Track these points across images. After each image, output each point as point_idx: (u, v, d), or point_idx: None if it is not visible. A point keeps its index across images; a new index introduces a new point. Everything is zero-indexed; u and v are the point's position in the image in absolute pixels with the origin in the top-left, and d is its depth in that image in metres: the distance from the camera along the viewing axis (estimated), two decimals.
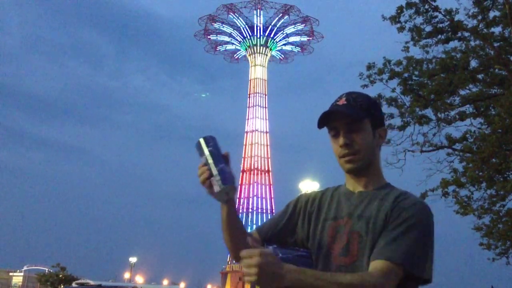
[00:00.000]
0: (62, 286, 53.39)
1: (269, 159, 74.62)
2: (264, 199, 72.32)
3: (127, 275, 59.92)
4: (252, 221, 70.45)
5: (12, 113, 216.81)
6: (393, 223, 1.47)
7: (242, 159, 74.28)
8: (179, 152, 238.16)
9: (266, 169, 73.76)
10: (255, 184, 72.23)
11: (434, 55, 13.70)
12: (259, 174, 72.68)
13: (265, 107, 77.59)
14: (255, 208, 71.43)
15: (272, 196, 72.65)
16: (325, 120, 1.58)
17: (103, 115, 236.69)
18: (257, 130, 74.79)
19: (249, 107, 77.31)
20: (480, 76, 13.84)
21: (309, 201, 1.71)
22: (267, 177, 73.70)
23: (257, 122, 75.50)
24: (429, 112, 13.76)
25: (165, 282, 68.29)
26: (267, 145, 75.16)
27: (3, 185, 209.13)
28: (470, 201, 13.71)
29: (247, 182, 72.79)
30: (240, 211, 71.82)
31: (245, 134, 76.15)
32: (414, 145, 13.76)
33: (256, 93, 76.92)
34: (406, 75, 13.78)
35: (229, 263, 71.02)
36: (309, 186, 22.83)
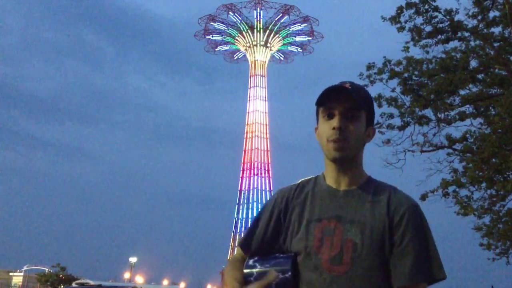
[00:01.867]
0: (62, 286, 53.41)
1: (269, 152, 74.60)
2: (263, 191, 72.75)
3: (127, 275, 59.90)
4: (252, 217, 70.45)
5: (12, 113, 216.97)
6: (402, 236, 1.42)
7: (243, 151, 74.65)
8: (178, 152, 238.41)
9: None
10: (255, 176, 72.60)
11: (434, 55, 13.71)
12: (259, 163, 73.08)
13: (265, 106, 77.63)
14: (255, 208, 71.50)
15: (272, 188, 72.93)
16: (327, 97, 1.50)
17: (103, 115, 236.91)
18: (257, 123, 74.78)
19: (249, 106, 77.34)
20: (480, 76, 13.84)
21: (287, 199, 1.60)
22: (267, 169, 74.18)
23: (257, 119, 75.50)
24: (429, 112, 13.77)
25: (165, 282, 68.29)
26: (266, 139, 75.21)
27: (3, 185, 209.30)
28: (470, 201, 13.72)
29: (247, 175, 73.17)
30: (240, 211, 72.03)
31: (245, 132, 76.20)
32: (414, 145, 13.78)
33: (256, 90, 76.94)
34: (406, 75, 13.78)
35: None
36: None
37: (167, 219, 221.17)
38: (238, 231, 71.09)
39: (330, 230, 1.46)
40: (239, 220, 71.92)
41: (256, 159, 73.11)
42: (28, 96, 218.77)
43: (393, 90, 13.94)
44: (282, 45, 78.57)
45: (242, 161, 74.41)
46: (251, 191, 72.24)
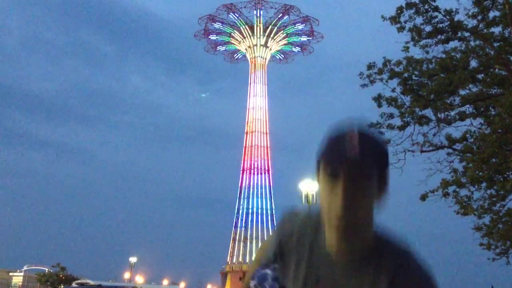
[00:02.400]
0: (62, 286, 53.43)
1: (268, 149, 74.66)
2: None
3: (127, 275, 59.88)
4: (252, 221, 70.67)
5: (12, 113, 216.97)
6: None
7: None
8: (178, 152, 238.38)
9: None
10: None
11: (434, 55, 13.71)
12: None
13: (265, 107, 77.64)
14: (254, 208, 71.57)
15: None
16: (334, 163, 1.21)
17: (103, 115, 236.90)
18: (258, 127, 74.83)
19: (248, 107, 77.34)
20: (480, 76, 13.83)
21: (286, 240, 1.43)
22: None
23: (257, 122, 75.54)
24: (429, 112, 13.76)
25: (165, 282, 68.33)
26: (267, 147, 75.19)
27: (3, 185, 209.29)
28: (470, 201, 13.72)
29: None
30: (240, 211, 72.06)
31: (245, 134, 76.18)
32: (414, 145, 13.77)
33: (256, 90, 76.97)
34: (406, 75, 13.78)
35: (229, 263, 71.08)
36: (309, 186, 22.84)
37: (167, 219, 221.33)
38: (239, 226, 71.55)
39: None
40: (240, 216, 72.26)
41: (256, 154, 73.48)
42: (28, 96, 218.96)
43: (393, 90, 13.94)
44: (282, 45, 78.58)
45: (243, 157, 74.88)
46: (251, 187, 72.46)
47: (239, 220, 72.23)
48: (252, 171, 73.10)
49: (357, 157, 1.17)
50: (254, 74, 77.31)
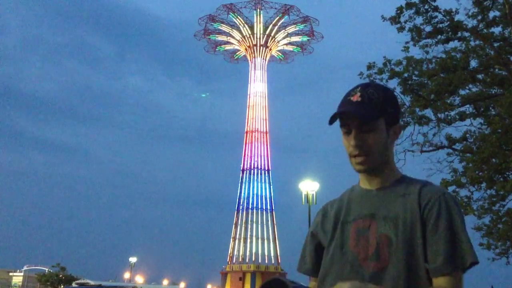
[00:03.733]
0: (62, 286, 53.42)
1: (268, 149, 74.71)
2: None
3: (127, 275, 59.92)
4: (252, 220, 70.73)
5: (12, 113, 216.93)
6: (434, 224, 1.41)
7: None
8: (178, 153, 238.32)
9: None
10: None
11: (434, 55, 13.71)
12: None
13: (266, 108, 77.62)
14: (255, 205, 71.63)
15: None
16: (336, 119, 1.51)
17: (102, 115, 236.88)
18: (257, 130, 74.84)
19: (249, 107, 77.31)
20: (480, 76, 13.83)
21: (326, 211, 1.67)
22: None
23: (257, 121, 75.50)
24: (429, 112, 13.76)
25: (165, 282, 68.37)
26: (266, 144, 75.21)
27: (3, 185, 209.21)
28: (470, 201, 13.71)
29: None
30: (240, 209, 72.08)
31: (245, 134, 76.17)
32: (414, 145, 13.78)
33: (256, 90, 76.95)
34: (406, 75, 13.78)
35: (229, 263, 71.05)
36: (309, 186, 22.83)
37: (167, 219, 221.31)
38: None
39: (365, 228, 1.49)
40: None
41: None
42: (28, 96, 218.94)
43: (393, 90, 13.93)
44: (282, 45, 78.55)
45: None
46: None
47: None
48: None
49: (357, 100, 1.47)
50: (254, 74, 77.28)
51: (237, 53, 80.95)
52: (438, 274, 1.38)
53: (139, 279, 60.39)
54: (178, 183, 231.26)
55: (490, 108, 13.86)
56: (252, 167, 73.32)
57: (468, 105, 13.98)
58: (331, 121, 1.50)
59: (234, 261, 70.78)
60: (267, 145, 75.38)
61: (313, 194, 22.70)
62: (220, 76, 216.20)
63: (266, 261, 69.18)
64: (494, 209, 14.10)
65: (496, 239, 14.50)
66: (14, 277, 77.70)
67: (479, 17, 13.01)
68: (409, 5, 13.04)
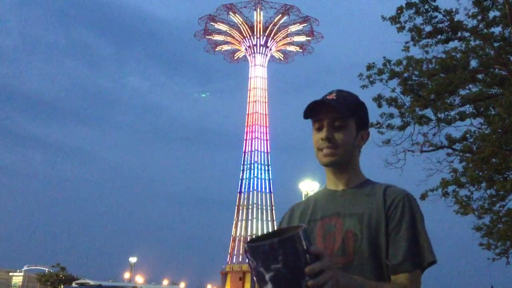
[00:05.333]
0: (62, 286, 53.43)
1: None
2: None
3: (127, 275, 59.92)
4: (252, 215, 71.05)
5: (12, 113, 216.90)
6: (395, 223, 1.48)
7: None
8: (177, 153, 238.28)
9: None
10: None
11: (434, 55, 13.69)
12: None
13: (266, 107, 77.62)
14: (255, 204, 71.75)
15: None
16: (312, 111, 1.58)
17: (102, 115, 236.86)
18: (257, 125, 74.87)
19: (248, 108, 77.33)
20: (480, 76, 13.82)
21: (293, 211, 1.72)
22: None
23: (257, 120, 75.48)
24: (429, 112, 13.75)
25: (165, 282, 68.36)
26: (267, 149, 75.25)
27: (3, 185, 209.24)
28: (470, 201, 13.71)
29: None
30: (241, 208, 72.16)
31: (245, 133, 76.22)
32: (414, 145, 13.77)
33: (256, 91, 76.96)
34: (406, 75, 13.77)
35: (229, 263, 71.08)
36: (309, 186, 22.84)
37: (167, 219, 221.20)
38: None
39: (331, 226, 1.55)
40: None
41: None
42: (28, 97, 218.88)
43: (393, 90, 13.93)
44: (282, 45, 78.55)
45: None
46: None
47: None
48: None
49: (332, 98, 1.57)
50: (254, 74, 77.27)
51: (237, 53, 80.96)
52: (398, 271, 1.44)
53: (139, 279, 60.39)
54: (178, 183, 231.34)
55: (490, 108, 13.85)
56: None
57: (468, 105, 13.98)
58: (307, 114, 1.59)
59: (234, 261, 70.82)
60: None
61: None
62: (220, 76, 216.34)
63: None
64: (494, 209, 14.10)
65: (496, 239, 14.50)
66: (14, 277, 77.62)
67: (479, 17, 13.00)
68: (409, 5, 13.03)
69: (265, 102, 77.71)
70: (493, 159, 12.63)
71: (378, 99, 13.76)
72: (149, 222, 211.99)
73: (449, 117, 13.91)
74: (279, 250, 1.10)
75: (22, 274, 77.41)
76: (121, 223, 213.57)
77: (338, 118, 1.56)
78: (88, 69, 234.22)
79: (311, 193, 22.56)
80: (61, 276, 58.47)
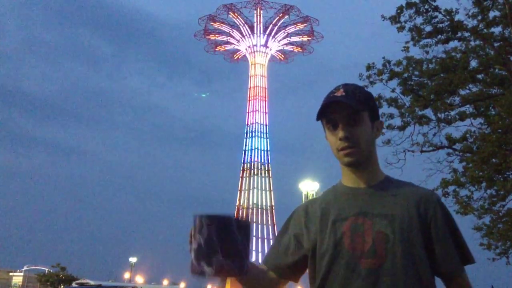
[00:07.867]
0: (62, 286, 53.42)
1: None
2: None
3: (127, 275, 59.86)
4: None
5: (12, 114, 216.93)
6: (441, 228, 1.50)
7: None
8: (177, 153, 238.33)
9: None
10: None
11: (434, 55, 13.70)
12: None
13: (266, 108, 77.60)
14: (254, 206, 71.64)
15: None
16: (325, 112, 1.52)
17: (102, 116, 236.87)
18: (257, 124, 74.88)
19: (248, 108, 77.30)
20: (480, 76, 13.82)
21: (309, 209, 1.63)
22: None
23: (257, 120, 75.46)
24: (429, 112, 13.76)
25: (165, 282, 68.29)
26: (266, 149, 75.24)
27: (3, 185, 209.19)
28: (470, 201, 13.71)
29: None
30: (240, 210, 72.10)
31: (245, 133, 76.21)
32: (414, 145, 13.77)
33: (256, 90, 76.97)
34: (406, 75, 13.77)
35: None
36: (309, 186, 22.81)
37: (167, 219, 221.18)
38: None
39: (359, 225, 1.48)
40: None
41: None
42: (28, 97, 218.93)
43: (393, 91, 13.94)
44: (282, 45, 78.54)
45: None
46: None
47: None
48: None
49: (341, 94, 1.50)
50: (254, 74, 77.27)
51: (237, 53, 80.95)
52: (456, 275, 1.50)
53: (139, 279, 60.33)
54: (178, 183, 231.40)
55: (490, 108, 13.85)
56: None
57: (468, 105, 13.97)
58: (319, 116, 1.53)
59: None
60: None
61: (313, 194, 22.64)
62: (220, 76, 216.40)
63: None
64: (494, 209, 14.09)
65: (496, 239, 14.48)
66: (14, 277, 77.56)
67: (479, 17, 13.00)
68: (409, 5, 13.04)
69: (265, 101, 77.84)
70: (493, 159, 12.63)
71: (378, 99, 13.76)
72: (149, 222, 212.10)
73: (449, 117, 13.91)
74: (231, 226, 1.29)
75: (22, 274, 77.34)
76: (121, 223, 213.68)
77: (352, 114, 1.50)
78: (88, 69, 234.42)
79: (311, 193, 22.54)
80: (61, 276, 58.45)
